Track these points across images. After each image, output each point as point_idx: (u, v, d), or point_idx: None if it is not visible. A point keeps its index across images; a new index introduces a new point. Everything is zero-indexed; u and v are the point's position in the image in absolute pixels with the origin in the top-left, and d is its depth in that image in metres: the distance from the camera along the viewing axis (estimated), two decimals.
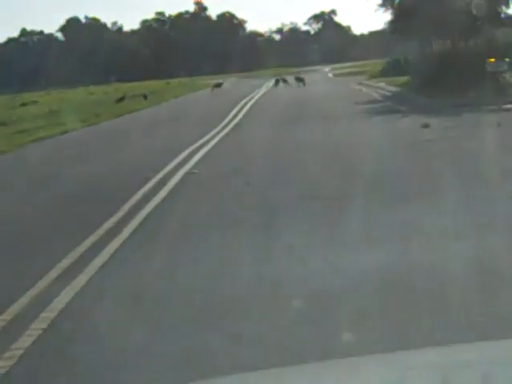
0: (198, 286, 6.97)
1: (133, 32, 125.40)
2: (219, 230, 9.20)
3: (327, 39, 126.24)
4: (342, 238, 8.18)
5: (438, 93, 25.91)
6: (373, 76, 51.70)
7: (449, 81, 26.15)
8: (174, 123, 26.78)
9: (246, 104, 34.12)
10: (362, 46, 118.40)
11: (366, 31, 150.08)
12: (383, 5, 37.70)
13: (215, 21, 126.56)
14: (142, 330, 5.98)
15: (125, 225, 9.78)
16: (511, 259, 7.09)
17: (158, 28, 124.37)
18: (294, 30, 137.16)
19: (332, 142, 17.29)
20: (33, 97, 54.67)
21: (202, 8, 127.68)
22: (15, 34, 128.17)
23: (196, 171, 14.06)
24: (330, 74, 73.72)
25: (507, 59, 23.81)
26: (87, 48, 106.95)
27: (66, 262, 8.07)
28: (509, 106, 21.44)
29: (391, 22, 39.43)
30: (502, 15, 34.27)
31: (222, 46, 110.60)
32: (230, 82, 59.36)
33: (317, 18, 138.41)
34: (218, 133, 21.23)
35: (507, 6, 34.29)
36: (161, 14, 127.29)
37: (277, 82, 51.94)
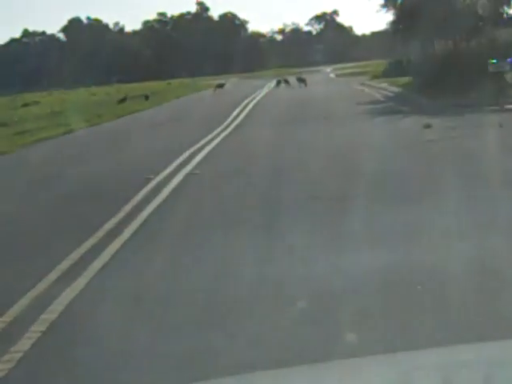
0: (199, 287, 6.94)
1: (135, 33, 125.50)
2: (221, 230, 9.17)
3: (329, 40, 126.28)
4: (344, 239, 8.15)
5: (440, 93, 25.89)
6: (375, 76, 51.67)
7: (451, 81, 26.12)
8: (176, 124, 26.77)
9: (247, 104, 34.10)
10: (364, 46, 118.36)
11: (367, 32, 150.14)
12: (385, 5, 37.70)
13: (217, 21, 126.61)
14: (143, 331, 5.96)
15: (125, 225, 9.76)
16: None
17: (160, 29, 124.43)
18: (296, 31, 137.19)
19: (334, 142, 17.26)
20: (34, 97, 54.69)
21: (203, 8, 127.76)
22: (17, 34, 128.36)
23: (197, 172, 14.04)
24: (332, 75, 73.69)
25: (509, 60, 23.76)
26: (89, 49, 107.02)
27: (65, 264, 8.04)
28: (511, 106, 21.40)
29: (393, 23, 39.41)
30: (505, 16, 34.26)
31: (223, 47, 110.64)
32: (231, 82, 59.35)
33: (319, 18, 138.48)
34: (220, 133, 21.21)
35: (509, 6, 34.27)
36: (163, 14, 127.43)
37: (278, 82, 51.92)
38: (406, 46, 40.59)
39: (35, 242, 9.49)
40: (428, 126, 17.96)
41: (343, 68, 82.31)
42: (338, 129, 20.04)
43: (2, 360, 5.58)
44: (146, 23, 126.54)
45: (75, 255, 8.36)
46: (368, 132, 18.96)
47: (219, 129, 22.40)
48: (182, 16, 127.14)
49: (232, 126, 23.49)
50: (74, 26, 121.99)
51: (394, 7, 37.80)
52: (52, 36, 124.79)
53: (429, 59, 32.85)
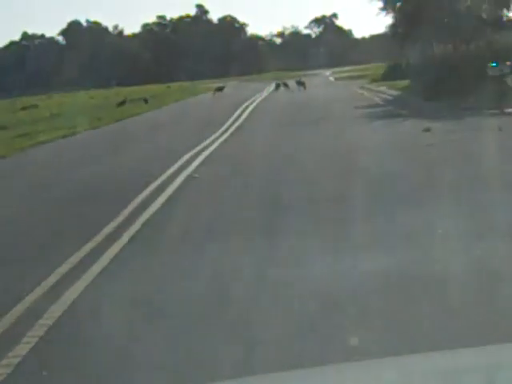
0: (197, 292, 6.91)
1: (134, 35, 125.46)
2: (220, 236, 9.14)
3: (328, 43, 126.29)
4: (343, 242, 8.12)
5: (439, 96, 25.89)
6: (374, 80, 51.68)
7: (450, 85, 26.12)
8: (175, 127, 26.76)
9: (247, 108, 34.09)
10: (364, 49, 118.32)
11: (367, 35, 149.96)
12: (385, 8, 37.76)
13: (216, 24, 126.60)
14: (141, 338, 5.93)
15: (124, 230, 9.72)
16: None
17: (159, 32, 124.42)
18: (295, 34, 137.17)
19: (333, 146, 17.23)
20: (34, 100, 54.63)
21: (203, 11, 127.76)
22: (16, 37, 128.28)
23: (197, 175, 14.01)
24: (331, 78, 73.70)
25: (508, 63, 23.74)
26: (88, 52, 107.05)
27: (64, 268, 8.00)
28: (510, 110, 21.38)
29: (392, 26, 39.50)
30: (504, 19, 34.26)
31: (223, 50, 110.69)
32: (231, 85, 59.31)
33: (318, 21, 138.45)
34: (219, 137, 21.19)
35: (509, 9, 34.28)
36: (162, 17, 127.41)
37: (277, 85, 51.88)
38: (406, 49, 40.64)
39: (31, 246, 9.44)
40: (427, 130, 17.94)
41: (342, 71, 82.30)
42: (337, 132, 20.02)
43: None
44: (146, 26, 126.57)
45: (74, 259, 8.33)
46: (367, 136, 18.93)
47: (218, 132, 22.38)
48: (181, 19, 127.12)
49: (231, 130, 23.47)
50: (73, 28, 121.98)
51: (394, 10, 37.86)
52: (51, 39, 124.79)
53: (428, 62, 32.85)
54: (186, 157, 16.63)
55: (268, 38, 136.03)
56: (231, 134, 21.97)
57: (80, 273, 7.74)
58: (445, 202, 9.90)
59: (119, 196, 12.42)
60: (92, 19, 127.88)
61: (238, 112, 31.01)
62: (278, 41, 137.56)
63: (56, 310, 6.62)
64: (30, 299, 7.01)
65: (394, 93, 36.02)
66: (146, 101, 43.85)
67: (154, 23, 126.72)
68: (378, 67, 61.44)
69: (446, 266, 7.00)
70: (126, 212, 10.86)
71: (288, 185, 12.36)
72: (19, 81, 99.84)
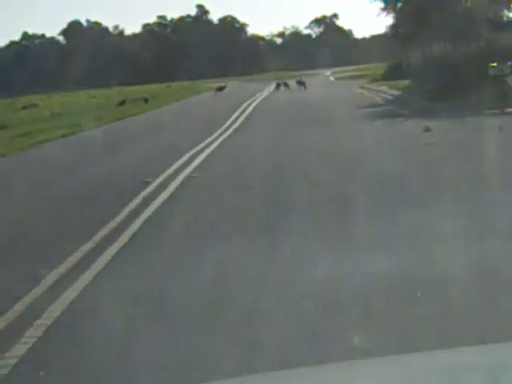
0: (197, 294, 6.88)
1: (134, 36, 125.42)
2: (220, 238, 9.10)
3: (329, 43, 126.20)
4: (343, 243, 8.09)
5: (439, 96, 25.84)
6: (374, 80, 51.65)
7: (450, 84, 26.07)
8: (175, 126, 26.74)
9: (247, 107, 34.07)
10: (364, 49, 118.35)
11: (367, 35, 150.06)
12: (385, 9, 37.74)
13: (217, 24, 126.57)
14: (141, 336, 5.90)
15: (123, 230, 9.68)
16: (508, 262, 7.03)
17: (160, 32, 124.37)
18: (296, 34, 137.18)
19: (333, 145, 17.20)
20: (34, 100, 54.59)
21: (203, 12, 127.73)
22: (17, 37, 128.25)
23: (196, 175, 13.97)
24: (332, 78, 73.68)
25: (509, 63, 23.71)
26: (89, 52, 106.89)
27: (63, 268, 7.97)
28: (511, 109, 21.35)
29: (393, 26, 39.52)
30: (505, 19, 34.25)
31: (223, 50, 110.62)
32: (231, 85, 59.30)
33: (318, 21, 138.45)
34: (219, 136, 21.15)
35: (509, 9, 34.27)
36: (162, 17, 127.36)
37: (278, 85, 51.86)
38: (406, 49, 40.62)
39: (28, 246, 9.41)
40: (428, 130, 17.91)
41: (343, 71, 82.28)
42: (338, 132, 19.99)
43: None
44: (146, 26, 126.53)
45: (73, 259, 8.29)
46: (367, 135, 18.91)
47: (219, 131, 22.35)
48: (181, 19, 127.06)
49: (231, 129, 23.44)
50: (73, 28, 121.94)
51: (394, 11, 37.86)
52: (52, 39, 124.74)
53: (428, 62, 32.83)
54: (187, 156, 16.59)
55: (268, 38, 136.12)
56: (231, 135, 21.92)
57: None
58: (445, 201, 9.87)
59: (116, 197, 12.37)
60: (92, 19, 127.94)
61: (239, 112, 30.98)
62: (279, 41, 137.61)
63: (54, 310, 6.60)
64: (27, 300, 6.98)
65: (395, 92, 35.99)
66: (146, 100, 43.84)
67: (154, 23, 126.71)
68: (378, 67, 61.41)
69: (446, 266, 6.97)
70: (125, 211, 10.83)
71: (287, 183, 12.33)
72: (19, 80, 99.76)
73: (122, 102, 42.48)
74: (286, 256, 7.85)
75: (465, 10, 33.04)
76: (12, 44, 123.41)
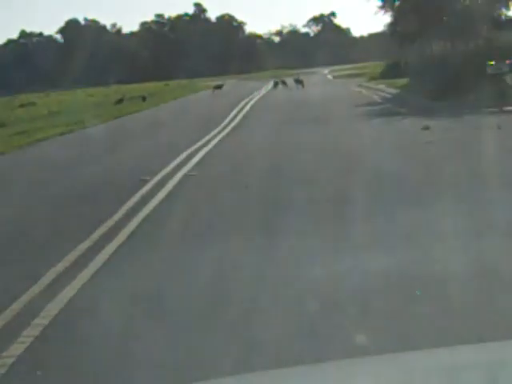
0: (195, 293, 6.86)
1: (132, 34, 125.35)
2: (218, 236, 9.08)
3: (327, 41, 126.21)
4: (341, 241, 8.07)
5: (438, 95, 25.82)
6: (372, 78, 51.61)
7: (449, 83, 26.05)
8: (173, 125, 26.71)
9: (245, 105, 34.05)
10: (362, 48, 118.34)
11: (365, 33, 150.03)
12: (383, 7, 37.70)
13: (214, 23, 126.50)
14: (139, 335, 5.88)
15: (121, 228, 9.65)
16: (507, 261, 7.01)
17: (158, 30, 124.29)
18: (294, 32, 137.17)
19: (332, 143, 17.18)
20: (32, 98, 54.51)
21: (201, 10, 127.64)
22: (14, 35, 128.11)
23: (194, 174, 13.94)
24: (330, 76, 73.65)
25: (508, 61, 23.69)
26: (86, 50, 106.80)
27: (61, 266, 7.94)
28: (509, 108, 21.33)
29: (391, 24, 39.45)
30: (503, 17, 34.24)
31: (221, 48, 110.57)
32: (229, 83, 59.28)
33: (316, 20, 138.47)
34: (217, 134, 21.13)
35: (507, 7, 34.25)
36: (160, 15, 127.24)
37: (276, 83, 51.84)
38: (404, 47, 40.57)
39: (26, 244, 9.39)
40: (426, 128, 17.90)
41: (341, 69, 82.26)
42: (336, 130, 19.97)
43: None
44: (144, 24, 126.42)
45: (70, 257, 8.26)
46: (366, 134, 18.89)
47: (216, 130, 22.32)
48: (179, 17, 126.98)
49: (230, 127, 23.41)
50: (71, 27, 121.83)
51: (392, 9, 37.82)
52: (49, 37, 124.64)
53: (426, 61, 32.80)
54: (184, 154, 16.57)
55: (266, 36, 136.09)
56: (228, 133, 21.90)
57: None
58: (443, 199, 9.85)
59: (116, 194, 12.35)
60: (90, 17, 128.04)
61: (236, 110, 30.95)
62: (277, 39, 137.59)
63: (52, 309, 6.57)
64: (25, 298, 6.96)
65: (393, 91, 35.96)
66: (144, 98, 43.80)
67: (152, 22, 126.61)
68: (376, 66, 61.38)
69: (445, 264, 6.96)
70: (123, 209, 10.80)
71: (285, 181, 12.31)
72: (17, 79, 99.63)
73: (120, 101, 42.45)
74: (284, 254, 7.83)
75: (463, 9, 33.04)
76: (10, 42, 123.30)
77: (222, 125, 24.07)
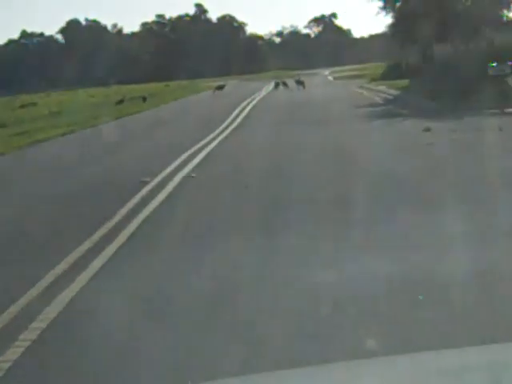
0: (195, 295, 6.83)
1: (133, 34, 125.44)
2: (218, 237, 9.05)
3: (328, 42, 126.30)
4: (341, 242, 8.04)
5: (439, 96, 25.79)
6: (373, 79, 51.59)
7: (450, 84, 26.02)
8: (173, 125, 26.69)
9: (246, 106, 34.04)
10: (363, 49, 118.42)
11: (366, 34, 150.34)
12: (384, 8, 37.72)
13: (215, 23, 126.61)
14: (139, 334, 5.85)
15: (121, 229, 9.62)
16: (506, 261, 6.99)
17: (159, 30, 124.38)
18: (295, 33, 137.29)
19: (332, 145, 17.14)
20: (33, 99, 54.56)
21: (202, 11, 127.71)
22: (15, 35, 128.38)
23: (194, 175, 13.90)
24: (330, 77, 73.67)
25: (509, 63, 23.67)
26: (87, 50, 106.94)
27: (61, 267, 7.91)
28: (511, 109, 21.30)
29: (392, 26, 39.47)
30: (504, 18, 34.24)
31: (222, 49, 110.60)
32: (230, 84, 59.29)
33: (317, 21, 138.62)
34: (218, 135, 21.11)
35: (509, 9, 34.26)
36: (161, 16, 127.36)
37: (277, 84, 51.83)
38: (405, 48, 40.61)
39: (26, 246, 9.35)
40: (427, 130, 17.87)
41: (341, 71, 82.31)
42: (337, 131, 19.94)
43: None
44: (145, 25, 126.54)
45: (70, 259, 8.23)
46: (367, 135, 18.87)
47: (217, 131, 22.30)
48: (180, 18, 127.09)
49: (230, 128, 23.38)
50: (72, 27, 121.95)
51: (393, 10, 37.85)
52: (50, 37, 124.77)
53: (428, 62, 32.79)
54: (184, 156, 16.54)
55: (267, 37, 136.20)
56: (229, 134, 21.87)
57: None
58: (445, 201, 9.83)
59: (114, 196, 12.31)
60: (91, 18, 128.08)
61: (238, 110, 30.94)
62: (278, 40, 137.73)
63: (51, 311, 6.54)
64: (24, 299, 6.93)
65: (394, 92, 35.93)
66: (144, 99, 43.79)
67: (153, 22, 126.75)
68: (377, 67, 61.40)
69: (446, 266, 6.93)
70: (123, 210, 10.77)
71: (285, 182, 12.29)
72: (18, 79, 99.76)
73: (121, 101, 42.46)
74: (284, 254, 7.81)
75: (465, 10, 33.02)
76: (11, 42, 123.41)
77: (223, 125, 24.05)
